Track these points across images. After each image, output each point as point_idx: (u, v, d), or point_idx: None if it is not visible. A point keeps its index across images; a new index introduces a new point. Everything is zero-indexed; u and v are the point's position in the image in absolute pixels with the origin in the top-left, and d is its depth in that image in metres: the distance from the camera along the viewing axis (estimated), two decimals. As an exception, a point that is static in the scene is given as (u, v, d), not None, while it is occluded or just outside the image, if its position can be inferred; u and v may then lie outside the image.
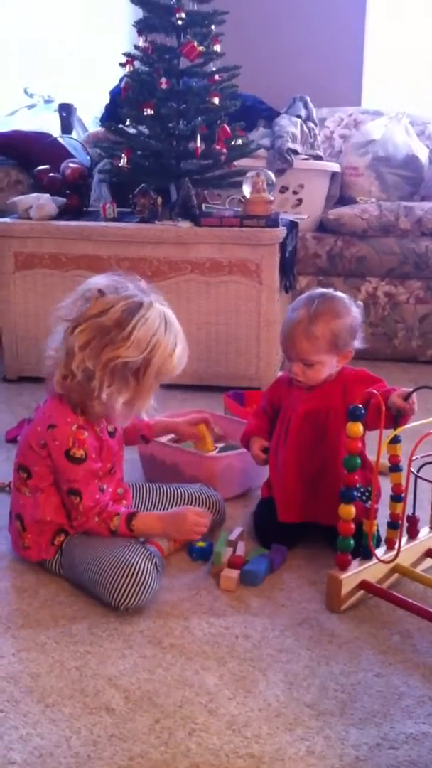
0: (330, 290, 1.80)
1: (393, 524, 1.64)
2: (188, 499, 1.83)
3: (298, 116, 3.41)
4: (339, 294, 1.78)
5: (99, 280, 1.62)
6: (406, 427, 1.58)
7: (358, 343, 1.76)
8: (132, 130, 2.95)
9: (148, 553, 1.59)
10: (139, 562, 1.54)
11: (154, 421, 1.90)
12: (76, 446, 1.59)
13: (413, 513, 1.70)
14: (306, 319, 1.72)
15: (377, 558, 1.59)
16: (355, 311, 1.75)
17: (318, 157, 3.40)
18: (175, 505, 1.82)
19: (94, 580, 1.56)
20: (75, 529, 1.64)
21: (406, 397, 1.58)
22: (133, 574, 1.52)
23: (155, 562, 1.58)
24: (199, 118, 2.84)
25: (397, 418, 1.60)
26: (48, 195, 2.91)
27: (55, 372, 1.60)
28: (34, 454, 1.63)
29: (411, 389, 1.60)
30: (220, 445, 2.10)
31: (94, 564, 1.57)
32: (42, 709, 1.29)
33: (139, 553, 1.57)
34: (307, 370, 1.74)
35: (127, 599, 1.52)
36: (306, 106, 3.51)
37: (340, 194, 3.49)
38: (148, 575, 1.53)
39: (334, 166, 3.40)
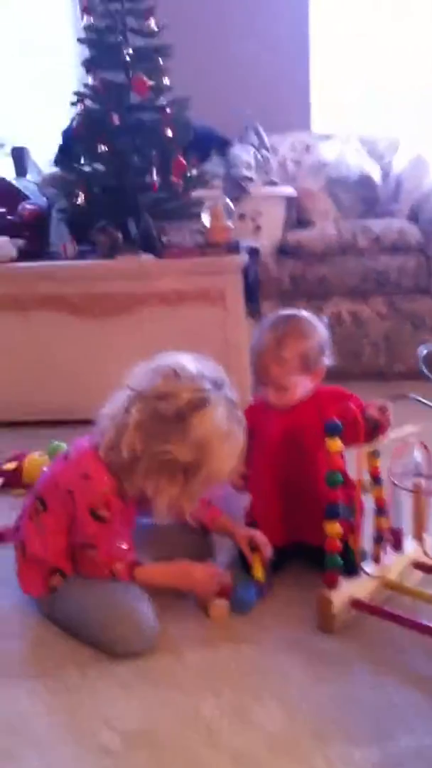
0: (293, 311, 1.81)
1: (379, 538, 1.64)
2: (175, 534, 1.79)
3: (252, 144, 3.46)
4: (303, 313, 1.79)
5: (177, 359, 1.55)
6: (384, 440, 1.58)
7: (327, 360, 1.76)
8: (87, 168, 2.97)
9: (148, 597, 1.56)
10: (141, 609, 1.51)
11: (219, 516, 1.80)
12: (102, 508, 1.53)
13: (397, 525, 1.70)
14: (273, 343, 1.71)
15: (365, 573, 1.58)
16: (321, 329, 1.76)
17: (273, 183, 3.44)
18: (161, 544, 1.77)
19: (92, 628, 1.52)
20: (77, 571, 1.60)
21: (382, 408, 1.59)
22: (135, 623, 1.49)
23: (154, 611, 1.55)
24: (154, 152, 2.86)
25: (374, 430, 1.60)
26: (6, 238, 2.91)
27: (105, 434, 1.54)
28: (58, 494, 1.57)
29: (385, 401, 1.60)
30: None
31: (91, 611, 1.53)
32: (38, 756, 1.26)
33: (139, 600, 1.54)
34: (281, 394, 1.74)
35: (129, 647, 1.49)
36: (257, 133, 3.56)
37: (298, 217, 3.53)
38: (149, 623, 1.51)
39: (290, 191, 3.43)
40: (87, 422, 1.63)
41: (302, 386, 1.74)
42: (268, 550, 1.73)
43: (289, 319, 1.76)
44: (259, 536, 1.75)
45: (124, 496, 1.56)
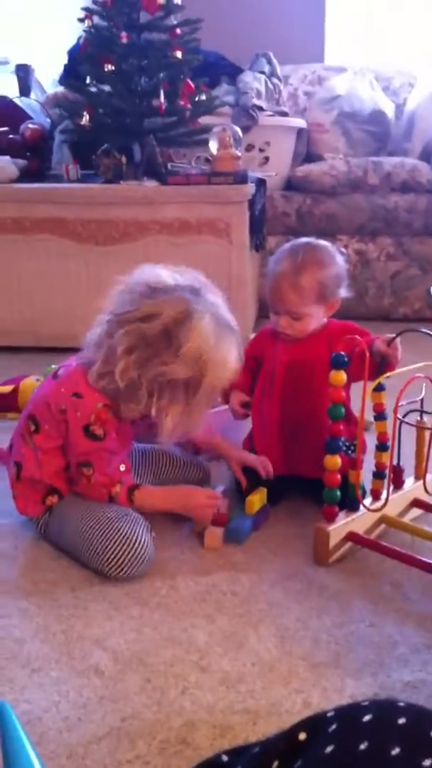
0: (312, 239, 1.75)
1: (379, 474, 1.61)
2: (171, 460, 1.78)
3: (262, 72, 3.34)
4: (322, 243, 1.73)
5: (151, 272, 1.50)
6: (391, 374, 1.55)
7: (344, 292, 1.71)
8: (93, 89, 2.87)
9: (145, 523, 1.53)
10: (138, 534, 1.49)
11: (212, 437, 1.78)
12: (97, 424, 1.49)
13: (398, 463, 1.68)
14: (291, 270, 1.66)
15: (365, 507, 1.56)
16: (339, 259, 1.70)
17: (283, 114, 3.34)
18: (156, 468, 1.78)
19: (87, 548, 1.49)
20: (74, 491, 1.57)
21: (389, 342, 1.55)
22: (131, 546, 1.46)
23: (151, 533, 1.53)
24: (162, 74, 2.76)
25: (381, 365, 1.56)
26: (8, 157, 2.82)
27: (93, 362, 1.50)
28: (50, 414, 1.54)
29: (394, 335, 1.56)
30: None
31: (87, 531, 1.50)
32: (28, 674, 1.24)
33: (136, 522, 1.51)
34: (295, 323, 1.69)
35: (123, 571, 1.47)
36: (269, 62, 3.45)
37: (307, 152, 3.44)
38: (146, 547, 1.48)
39: (300, 123, 3.34)
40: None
41: (316, 317, 1.69)
42: (264, 471, 1.72)
43: (309, 247, 1.70)
44: (253, 459, 1.73)
45: (119, 415, 1.53)
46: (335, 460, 1.53)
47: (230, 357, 1.49)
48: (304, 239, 1.75)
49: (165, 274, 1.49)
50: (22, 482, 1.60)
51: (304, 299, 1.66)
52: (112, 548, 1.47)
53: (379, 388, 1.57)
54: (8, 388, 2.26)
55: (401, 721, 0.75)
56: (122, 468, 1.58)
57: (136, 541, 1.47)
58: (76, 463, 1.54)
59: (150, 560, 1.50)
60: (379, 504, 1.59)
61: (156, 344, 1.43)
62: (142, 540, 1.48)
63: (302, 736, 0.81)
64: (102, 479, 1.54)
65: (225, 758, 0.94)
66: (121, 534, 1.48)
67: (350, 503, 1.58)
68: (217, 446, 1.79)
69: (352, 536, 1.55)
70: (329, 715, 0.82)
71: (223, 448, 1.78)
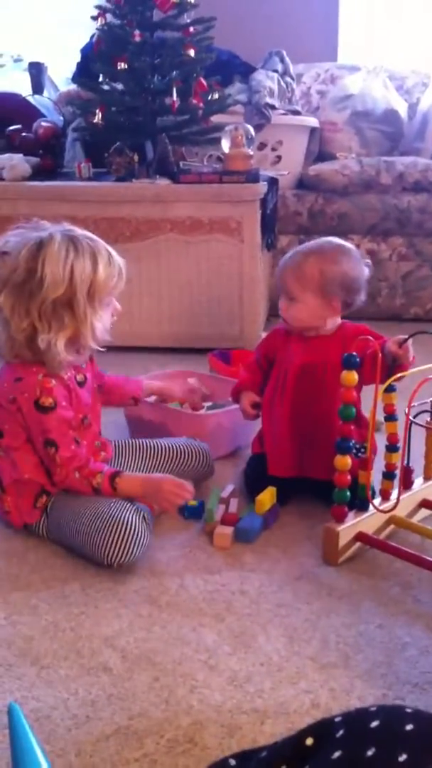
0: (344, 241, 1.77)
1: (389, 474, 1.61)
2: (174, 453, 1.78)
3: (275, 71, 3.33)
4: (348, 245, 1.74)
5: (10, 235, 1.57)
6: (402, 374, 1.54)
7: (353, 298, 1.70)
8: (106, 87, 2.87)
9: (135, 507, 1.55)
10: (128, 517, 1.50)
11: (146, 383, 1.89)
12: (44, 395, 1.54)
13: (407, 464, 1.67)
14: (301, 255, 1.70)
15: (375, 507, 1.56)
16: (356, 264, 1.69)
17: (296, 112, 3.33)
18: (162, 460, 1.78)
19: (83, 539, 1.51)
20: (56, 486, 1.59)
21: (401, 343, 1.54)
22: (122, 529, 1.48)
23: (143, 516, 1.54)
24: (174, 72, 2.76)
25: (393, 367, 1.55)
26: (21, 155, 2.83)
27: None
28: (4, 411, 1.58)
29: (406, 336, 1.56)
30: (208, 404, 2.06)
31: (81, 524, 1.52)
32: (37, 672, 1.25)
33: (126, 509, 1.53)
34: (290, 306, 1.71)
35: (119, 555, 1.47)
36: (282, 60, 3.43)
37: (319, 151, 3.43)
38: (138, 529, 1.49)
39: (313, 121, 3.33)
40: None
41: (310, 308, 1.69)
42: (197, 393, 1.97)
43: (328, 242, 1.74)
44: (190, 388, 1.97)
45: (56, 373, 1.57)
46: (345, 461, 1.52)
47: (99, 260, 1.53)
48: (331, 237, 1.79)
49: (11, 235, 1.56)
50: (8, 493, 1.63)
51: (300, 283, 1.68)
52: (105, 534, 1.48)
53: (390, 389, 1.57)
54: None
55: (409, 727, 0.75)
56: (97, 444, 1.67)
57: (127, 524, 1.49)
58: (41, 443, 1.55)
59: (144, 544, 1.50)
60: (390, 504, 1.59)
61: (26, 285, 1.51)
62: (134, 524, 1.50)
63: (309, 741, 0.81)
64: (66, 455, 1.55)
65: (233, 762, 0.94)
66: (113, 519, 1.49)
67: (359, 504, 1.58)
68: (158, 391, 1.95)
69: (361, 537, 1.55)
70: (337, 720, 0.81)
71: (159, 388, 1.95)
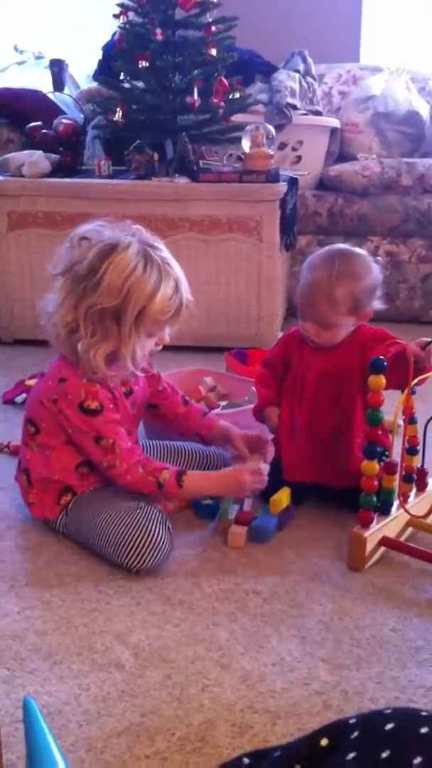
0: (348, 246, 1.72)
1: (408, 477, 1.60)
2: (193, 456, 1.78)
3: (297, 71, 3.32)
4: (358, 251, 1.68)
5: (84, 227, 1.54)
6: (425, 376, 1.52)
7: (378, 303, 1.68)
8: (127, 85, 2.87)
9: (161, 515, 1.53)
10: (153, 526, 1.49)
11: (215, 423, 1.80)
12: (89, 398, 1.51)
13: (422, 466, 1.66)
14: (327, 281, 1.60)
15: (406, 511, 1.55)
16: (375, 269, 1.66)
17: (317, 113, 3.32)
18: (180, 463, 1.78)
19: (105, 542, 1.50)
20: (114, 481, 1.55)
21: (424, 346, 1.53)
22: (147, 537, 1.47)
23: (168, 526, 1.53)
24: (196, 71, 2.76)
25: (416, 370, 1.54)
26: (41, 152, 2.83)
27: (53, 334, 1.55)
28: (44, 409, 1.56)
29: (429, 339, 1.54)
30: (224, 403, 2.05)
31: (104, 526, 1.51)
32: (49, 667, 1.25)
33: (151, 515, 1.51)
34: (323, 332, 1.66)
35: (141, 562, 1.47)
36: (304, 60, 3.42)
37: (340, 151, 3.41)
38: (162, 538, 1.48)
39: (334, 122, 3.31)
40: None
41: (345, 328, 1.66)
42: (270, 450, 1.74)
43: (345, 256, 1.64)
44: (257, 436, 1.75)
45: (106, 386, 1.55)
46: (373, 466, 1.51)
47: (163, 286, 1.49)
48: (339, 246, 1.72)
49: (95, 225, 1.53)
50: (35, 486, 1.62)
51: (336, 312, 1.62)
52: (130, 540, 1.47)
53: (411, 392, 1.55)
54: (33, 382, 2.26)
55: (424, 730, 0.75)
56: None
57: (152, 532, 1.48)
58: (93, 440, 1.52)
59: (167, 552, 1.50)
60: (417, 507, 1.57)
61: (84, 281, 1.48)
62: (159, 532, 1.49)
63: (324, 742, 0.81)
64: (125, 445, 1.53)
65: (246, 761, 0.94)
66: (138, 527, 1.48)
67: (381, 507, 1.57)
68: (222, 431, 1.78)
69: (385, 541, 1.54)
70: (351, 722, 0.81)
71: (227, 429, 1.78)
